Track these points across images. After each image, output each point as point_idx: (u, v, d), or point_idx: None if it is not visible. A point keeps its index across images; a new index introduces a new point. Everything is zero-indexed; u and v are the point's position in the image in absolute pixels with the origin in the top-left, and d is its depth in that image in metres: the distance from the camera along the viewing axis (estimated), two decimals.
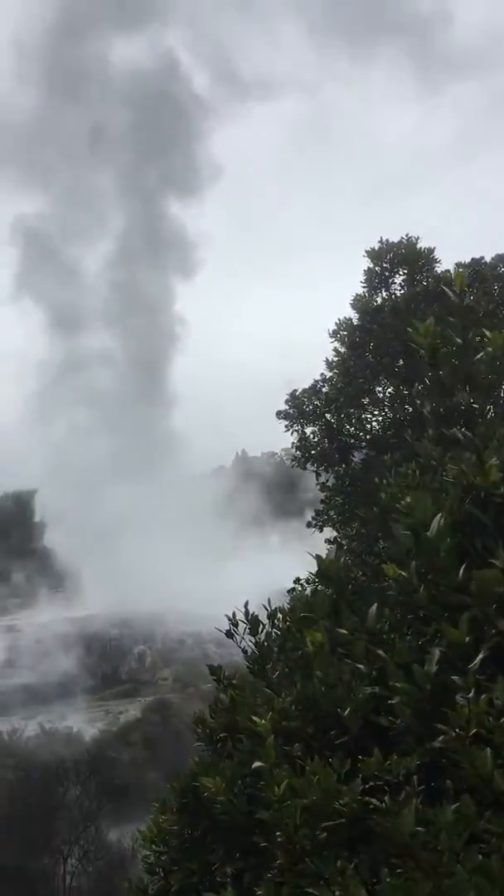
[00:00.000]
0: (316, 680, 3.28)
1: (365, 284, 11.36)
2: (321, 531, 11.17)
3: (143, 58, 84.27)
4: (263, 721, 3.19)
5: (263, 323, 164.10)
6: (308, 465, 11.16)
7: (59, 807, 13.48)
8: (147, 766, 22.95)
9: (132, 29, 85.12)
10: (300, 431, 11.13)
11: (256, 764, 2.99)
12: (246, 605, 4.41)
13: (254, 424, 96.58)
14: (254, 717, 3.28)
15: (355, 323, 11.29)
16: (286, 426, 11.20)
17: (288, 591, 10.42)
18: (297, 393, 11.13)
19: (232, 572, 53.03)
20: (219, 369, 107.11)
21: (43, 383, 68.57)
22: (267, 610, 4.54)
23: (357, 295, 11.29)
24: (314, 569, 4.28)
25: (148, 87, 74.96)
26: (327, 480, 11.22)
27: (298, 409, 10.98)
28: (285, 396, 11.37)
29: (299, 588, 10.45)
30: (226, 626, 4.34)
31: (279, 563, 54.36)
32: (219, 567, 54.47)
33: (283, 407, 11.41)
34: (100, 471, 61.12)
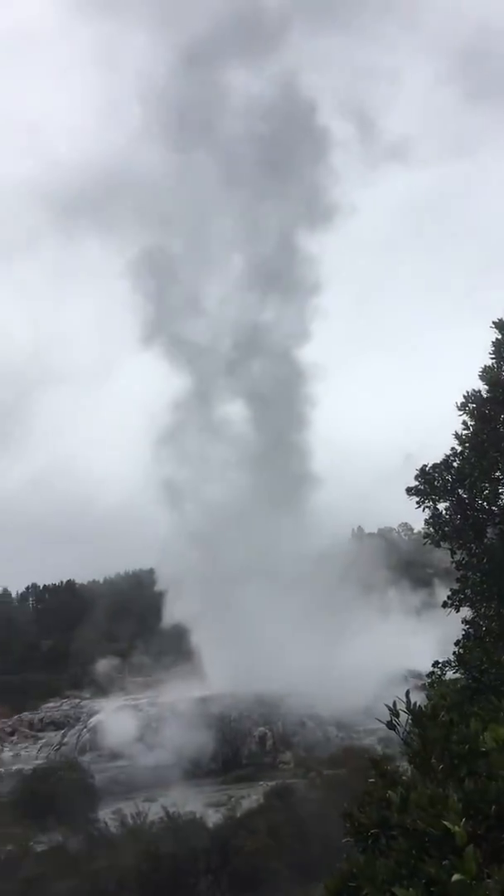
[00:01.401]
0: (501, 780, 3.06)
1: (493, 356, 11.14)
2: (458, 611, 10.74)
3: (273, 97, 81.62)
4: (457, 828, 2.97)
5: (375, 394, 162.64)
6: (442, 543, 10.83)
7: None
8: (272, 855, 22.18)
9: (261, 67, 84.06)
10: (432, 508, 10.84)
11: (456, 877, 2.76)
12: (407, 694, 4.23)
13: (369, 500, 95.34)
14: (445, 823, 3.06)
15: (485, 395, 11.05)
16: (417, 502, 10.94)
17: (427, 676, 10.02)
18: (428, 468, 10.89)
19: (351, 651, 51.89)
20: (330, 441, 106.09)
21: (168, 453, 68.50)
22: (401, 700, 4.32)
23: (486, 367, 11.08)
24: (438, 649, 4.08)
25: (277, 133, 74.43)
26: (462, 558, 10.84)
27: (430, 484, 10.73)
28: (414, 472, 11.16)
29: (438, 672, 10.04)
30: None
31: (399, 642, 52.96)
32: (338, 646, 53.39)
33: (407, 482, 11.19)
34: (224, 555, 61.07)
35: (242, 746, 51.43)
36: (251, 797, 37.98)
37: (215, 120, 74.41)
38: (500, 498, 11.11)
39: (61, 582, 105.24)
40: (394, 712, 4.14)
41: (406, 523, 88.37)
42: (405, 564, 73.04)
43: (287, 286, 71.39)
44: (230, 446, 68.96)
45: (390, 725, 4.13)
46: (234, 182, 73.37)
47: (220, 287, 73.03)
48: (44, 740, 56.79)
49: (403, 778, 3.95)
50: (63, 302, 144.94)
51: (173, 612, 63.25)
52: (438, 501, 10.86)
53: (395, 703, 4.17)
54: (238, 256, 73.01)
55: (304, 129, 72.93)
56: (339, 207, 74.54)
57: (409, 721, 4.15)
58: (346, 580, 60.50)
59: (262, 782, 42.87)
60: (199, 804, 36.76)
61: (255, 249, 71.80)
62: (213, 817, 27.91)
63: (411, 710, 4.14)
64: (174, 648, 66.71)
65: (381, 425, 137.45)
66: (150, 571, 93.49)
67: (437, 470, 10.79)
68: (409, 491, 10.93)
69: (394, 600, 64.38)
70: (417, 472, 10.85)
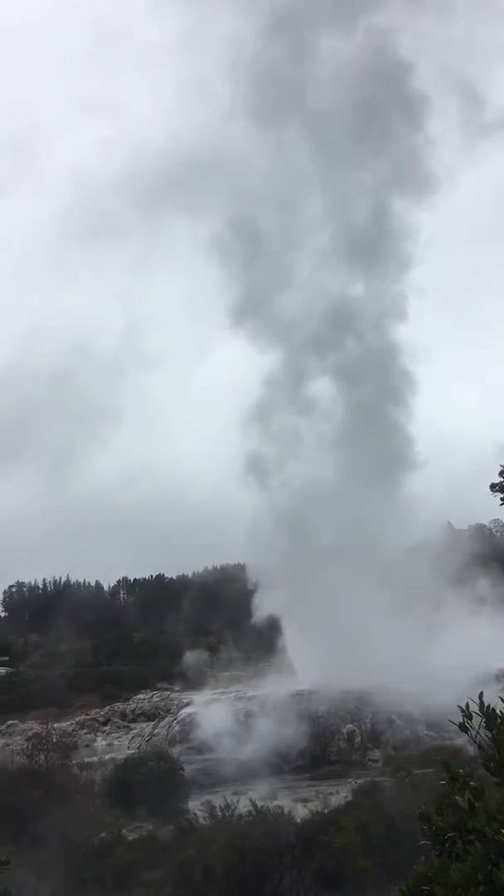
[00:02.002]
0: None
1: None
2: None
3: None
4: None
5: (470, 381, 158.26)
6: None
7: (275, 892, 13.26)
8: (359, 852, 22.08)
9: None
10: None
11: None
12: (480, 696, 4.16)
13: (460, 493, 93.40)
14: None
15: None
16: (502, 499, 10.70)
17: None
18: None
19: (442, 647, 51.10)
20: (424, 428, 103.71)
21: (261, 441, 67.74)
22: (474, 701, 4.24)
23: None
24: None
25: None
26: None
27: None
28: (498, 468, 10.90)
29: None
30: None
31: (492, 638, 51.79)
32: (428, 640, 52.66)
33: (497, 479, 10.94)
34: (314, 537, 60.50)
35: (331, 743, 51.29)
36: (339, 794, 37.86)
37: (305, 88, 72.26)
38: None
39: (151, 576, 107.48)
40: (466, 714, 4.09)
41: (498, 519, 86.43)
42: (499, 559, 71.32)
43: (380, 260, 69.23)
44: (322, 424, 67.72)
45: (462, 728, 4.07)
46: (325, 152, 71.40)
47: (311, 262, 71.73)
48: (135, 731, 58.07)
49: (471, 783, 3.90)
50: (152, 285, 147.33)
51: (262, 602, 63.23)
52: None
53: (467, 705, 4.12)
54: (329, 230, 71.61)
55: (400, 94, 69.41)
56: (438, 180, 71.57)
57: (483, 724, 4.10)
58: (438, 572, 59.23)
59: (350, 779, 42.68)
60: (286, 799, 36.92)
61: (346, 223, 70.09)
62: (300, 812, 27.97)
63: (485, 712, 4.08)
64: (263, 643, 67.14)
65: (476, 416, 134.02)
66: (239, 566, 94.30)
67: None
68: (493, 487, 10.70)
69: (486, 596, 62.88)
70: (502, 467, 10.61)
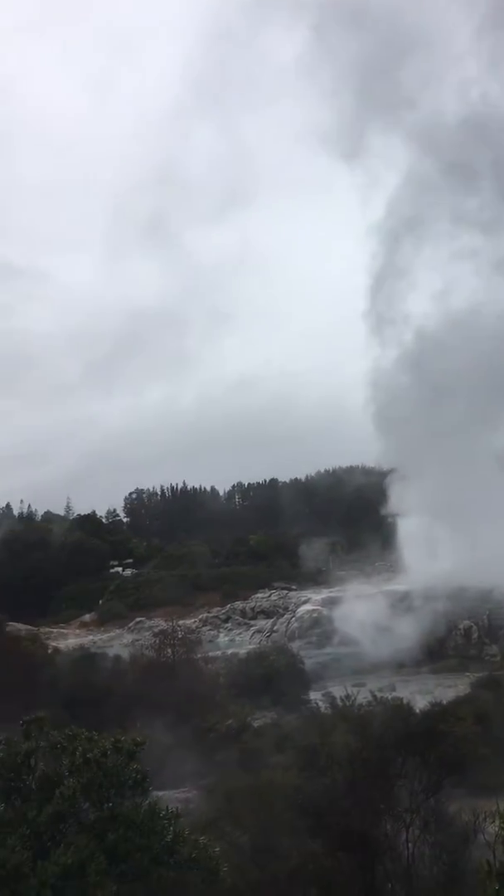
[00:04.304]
0: None
1: None
2: None
3: None
4: None
5: None
6: None
7: (399, 775, 13.70)
8: (478, 741, 22.43)
9: None
10: None
11: None
12: None
13: None
14: None
15: None
16: None
17: None
18: None
19: None
20: None
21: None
22: None
23: None
24: None
25: None
26: None
27: None
28: None
29: None
30: None
31: None
32: None
33: None
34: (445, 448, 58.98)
35: (448, 638, 51.81)
36: (457, 687, 38.38)
37: None
38: None
39: (265, 480, 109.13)
40: None
41: None
42: None
43: None
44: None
45: None
46: None
47: None
48: (255, 627, 60.18)
49: None
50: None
51: (391, 495, 62.99)
52: None
53: None
54: None
55: None
56: None
57: None
58: None
59: (467, 673, 43.14)
60: (404, 691, 37.72)
61: None
62: (419, 703, 28.50)
63: None
64: (379, 542, 67.61)
65: None
66: (350, 469, 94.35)
67: None
68: None
69: None
70: None
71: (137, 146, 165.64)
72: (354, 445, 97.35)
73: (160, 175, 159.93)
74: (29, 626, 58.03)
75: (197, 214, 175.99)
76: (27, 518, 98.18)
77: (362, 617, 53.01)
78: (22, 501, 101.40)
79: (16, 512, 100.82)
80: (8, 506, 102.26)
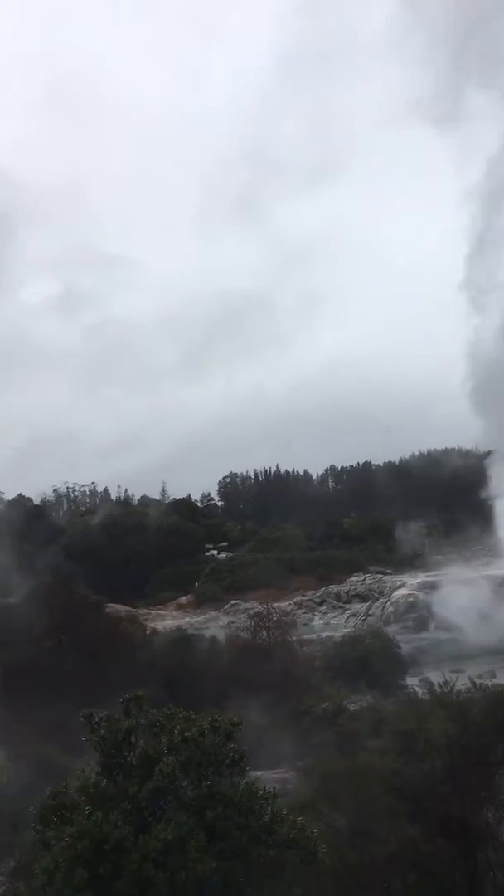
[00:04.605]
0: None
1: None
2: None
3: None
4: None
5: None
6: None
7: (500, 763, 13.39)
8: None
9: None
10: None
11: None
12: None
13: None
14: None
15: None
16: None
17: None
18: None
19: None
20: None
21: None
22: None
23: None
24: None
25: None
26: None
27: None
28: None
29: None
30: None
31: None
32: None
33: None
34: None
35: None
36: None
37: None
38: None
39: (358, 463, 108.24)
40: None
41: None
42: None
43: None
44: None
45: None
46: None
47: None
48: (350, 611, 60.00)
49: None
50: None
51: (485, 480, 61.51)
52: None
53: None
54: None
55: None
56: None
57: None
58: None
59: None
60: None
61: None
62: None
63: None
64: (478, 525, 66.19)
65: None
66: (446, 451, 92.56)
67: None
68: None
69: None
70: None
71: (226, 124, 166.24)
72: (451, 427, 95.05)
73: (249, 152, 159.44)
74: (127, 608, 59.53)
75: (287, 191, 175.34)
76: (124, 502, 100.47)
77: (462, 602, 52.09)
78: (119, 486, 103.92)
79: (113, 496, 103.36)
80: (106, 490, 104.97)
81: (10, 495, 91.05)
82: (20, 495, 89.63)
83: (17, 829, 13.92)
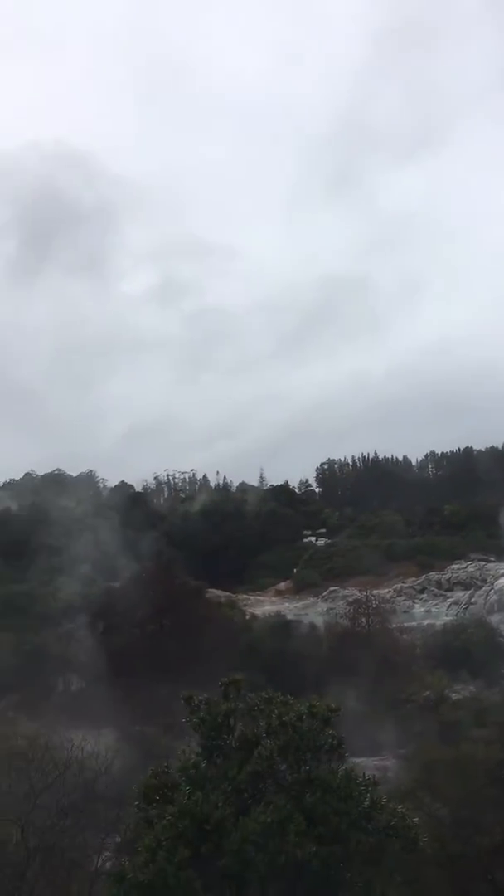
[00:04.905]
0: None
1: None
2: None
3: None
4: None
5: None
6: None
7: None
8: None
9: None
10: None
11: None
12: None
13: None
14: None
15: None
16: None
17: None
18: None
19: None
20: None
21: None
22: None
23: None
24: None
25: None
26: None
27: None
28: None
29: None
30: None
31: None
32: None
33: None
34: None
35: None
36: None
37: None
38: None
39: (458, 449, 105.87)
40: None
41: None
42: None
43: None
44: None
45: None
46: None
47: None
48: (451, 599, 58.83)
49: None
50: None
51: None
52: None
53: None
54: None
55: None
56: None
57: None
58: None
59: None
60: None
61: None
62: None
63: None
64: None
65: None
66: None
67: None
68: None
69: None
70: None
71: (322, 99, 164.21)
72: None
73: (346, 126, 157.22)
74: (227, 593, 60.20)
75: (385, 164, 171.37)
76: (223, 489, 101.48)
77: None
78: (218, 473, 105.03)
79: (212, 483, 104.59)
80: (205, 477, 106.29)
81: (112, 482, 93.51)
82: (122, 482, 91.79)
83: (123, 806, 14.29)
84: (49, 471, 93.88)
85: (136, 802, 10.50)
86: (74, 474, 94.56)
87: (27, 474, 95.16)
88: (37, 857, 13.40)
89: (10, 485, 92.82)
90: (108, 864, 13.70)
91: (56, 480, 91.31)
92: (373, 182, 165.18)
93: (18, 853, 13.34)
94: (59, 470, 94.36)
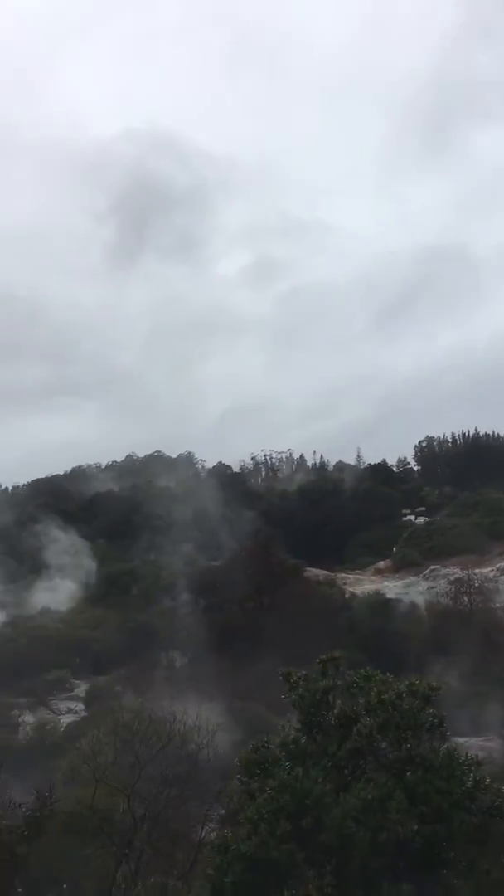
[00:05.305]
0: None
1: None
2: None
3: None
4: None
5: None
6: None
7: None
8: None
9: None
10: None
11: None
12: None
13: None
14: None
15: None
16: None
17: None
18: None
19: None
20: None
21: None
22: None
23: None
24: None
25: None
26: None
27: None
28: None
29: None
30: None
31: None
32: None
33: None
34: None
35: None
36: None
37: None
38: None
39: None
40: None
41: None
42: None
43: None
44: None
45: None
46: None
47: None
48: None
49: None
50: None
51: None
52: None
53: None
54: None
55: None
56: None
57: None
58: None
59: None
60: None
61: None
62: None
63: None
64: None
65: None
66: None
67: None
68: None
69: None
70: None
71: (415, 60, 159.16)
72: None
73: (439, 80, 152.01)
74: (326, 572, 60.19)
75: (481, 123, 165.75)
76: (320, 468, 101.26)
77: None
78: (315, 452, 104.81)
79: (309, 463, 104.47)
80: (301, 457, 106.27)
81: (210, 463, 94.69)
82: (220, 463, 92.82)
83: (227, 780, 14.57)
84: (149, 452, 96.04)
85: (238, 776, 10.67)
86: (174, 455, 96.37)
87: (129, 456, 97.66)
88: (143, 826, 13.83)
89: (113, 466, 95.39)
90: (212, 835, 14.00)
91: (156, 462, 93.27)
92: (468, 142, 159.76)
93: (125, 821, 13.79)
94: (159, 451, 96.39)
